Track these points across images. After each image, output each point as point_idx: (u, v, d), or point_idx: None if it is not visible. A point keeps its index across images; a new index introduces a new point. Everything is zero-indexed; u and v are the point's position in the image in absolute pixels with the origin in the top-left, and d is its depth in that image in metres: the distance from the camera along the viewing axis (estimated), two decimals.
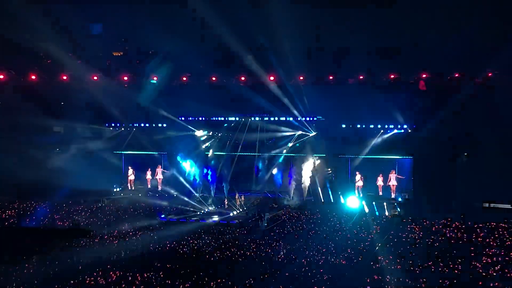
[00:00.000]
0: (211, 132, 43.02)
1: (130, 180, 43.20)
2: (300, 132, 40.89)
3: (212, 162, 42.28)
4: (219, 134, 42.73)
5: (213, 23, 33.78)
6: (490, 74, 34.17)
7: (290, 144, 41.20)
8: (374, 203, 36.83)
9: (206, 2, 33.16)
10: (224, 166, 41.93)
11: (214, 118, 41.93)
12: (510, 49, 31.20)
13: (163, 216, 34.80)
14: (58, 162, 40.82)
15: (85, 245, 27.57)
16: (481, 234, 28.47)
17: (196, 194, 40.58)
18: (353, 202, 37.65)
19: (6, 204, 36.90)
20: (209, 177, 41.89)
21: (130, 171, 43.27)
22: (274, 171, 41.30)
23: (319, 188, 39.52)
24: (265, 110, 39.83)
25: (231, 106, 39.68)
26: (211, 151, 42.59)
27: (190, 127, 42.24)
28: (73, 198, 37.75)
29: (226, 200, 39.08)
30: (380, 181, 38.75)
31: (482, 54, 33.02)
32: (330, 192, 39.40)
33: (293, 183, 39.97)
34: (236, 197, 38.62)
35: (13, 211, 35.66)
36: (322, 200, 39.18)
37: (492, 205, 34.86)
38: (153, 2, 37.41)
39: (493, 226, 29.92)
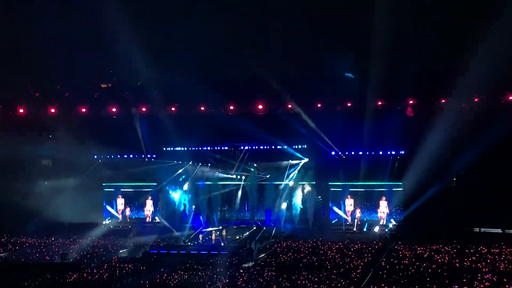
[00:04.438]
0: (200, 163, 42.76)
1: (121, 211, 42.94)
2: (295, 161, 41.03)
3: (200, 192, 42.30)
4: (208, 165, 42.42)
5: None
6: (476, 100, 34.48)
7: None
8: None
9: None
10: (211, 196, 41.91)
11: (202, 148, 41.78)
12: (495, 74, 31.66)
13: (153, 248, 34.40)
14: (46, 195, 40.64)
15: (75, 279, 27.22)
16: (473, 259, 28.40)
17: (186, 225, 40.33)
18: None
19: None
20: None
21: (121, 202, 43.01)
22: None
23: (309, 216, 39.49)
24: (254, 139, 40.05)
25: (221, 135, 39.77)
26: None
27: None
28: (61, 232, 37.48)
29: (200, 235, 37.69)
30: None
31: (467, 79, 33.27)
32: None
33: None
34: (213, 232, 37.51)
35: (1, 246, 35.30)
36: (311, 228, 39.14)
37: (482, 229, 34.93)
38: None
39: (484, 250, 29.89)
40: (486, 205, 33.14)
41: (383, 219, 38.42)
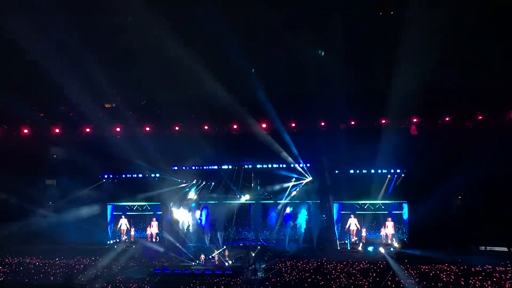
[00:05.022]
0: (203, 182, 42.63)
1: (125, 231, 42.79)
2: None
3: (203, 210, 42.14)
4: (212, 183, 42.32)
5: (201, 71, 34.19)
6: (480, 117, 34.51)
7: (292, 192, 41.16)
8: None
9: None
10: (215, 214, 41.72)
11: (206, 167, 41.72)
12: (498, 91, 31.69)
13: (157, 268, 34.22)
14: (50, 215, 40.64)
15: None
16: (478, 278, 28.21)
17: (190, 245, 40.15)
18: None
19: None
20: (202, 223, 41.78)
21: (124, 222, 42.86)
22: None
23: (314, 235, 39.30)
24: (258, 158, 40.04)
25: (225, 154, 39.84)
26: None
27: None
28: (65, 252, 37.36)
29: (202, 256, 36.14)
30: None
31: (471, 97, 33.36)
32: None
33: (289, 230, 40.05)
34: (215, 254, 36.27)
35: (5, 267, 35.19)
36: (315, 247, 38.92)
37: (488, 248, 34.77)
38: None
39: (490, 269, 29.71)
40: (492, 224, 32.96)
41: (389, 238, 38.22)
